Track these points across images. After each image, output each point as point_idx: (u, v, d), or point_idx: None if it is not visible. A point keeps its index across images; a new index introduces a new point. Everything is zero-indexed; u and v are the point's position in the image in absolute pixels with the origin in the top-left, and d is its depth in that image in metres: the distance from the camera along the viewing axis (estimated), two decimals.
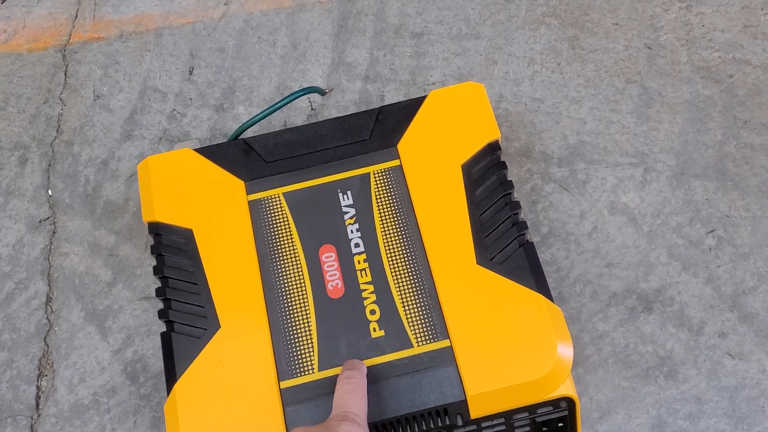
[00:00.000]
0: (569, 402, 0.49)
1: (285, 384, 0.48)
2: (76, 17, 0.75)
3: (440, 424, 0.47)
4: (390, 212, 0.54)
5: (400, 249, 0.53)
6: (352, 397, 0.44)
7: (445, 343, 0.49)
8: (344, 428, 0.41)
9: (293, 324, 0.50)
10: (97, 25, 0.74)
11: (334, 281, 0.52)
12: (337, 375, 0.47)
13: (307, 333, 0.50)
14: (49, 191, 0.66)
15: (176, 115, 0.69)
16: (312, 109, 0.68)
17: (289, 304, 0.51)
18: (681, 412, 0.54)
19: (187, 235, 0.54)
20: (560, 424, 0.49)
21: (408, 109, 0.58)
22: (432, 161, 0.55)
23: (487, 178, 0.54)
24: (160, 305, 0.53)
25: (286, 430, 0.47)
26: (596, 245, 0.60)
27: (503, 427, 0.49)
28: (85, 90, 0.71)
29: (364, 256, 0.53)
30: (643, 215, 0.61)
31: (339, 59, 0.70)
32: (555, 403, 0.48)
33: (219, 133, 0.67)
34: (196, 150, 0.58)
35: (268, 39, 0.72)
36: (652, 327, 0.57)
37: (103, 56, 0.72)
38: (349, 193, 0.55)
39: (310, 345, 0.50)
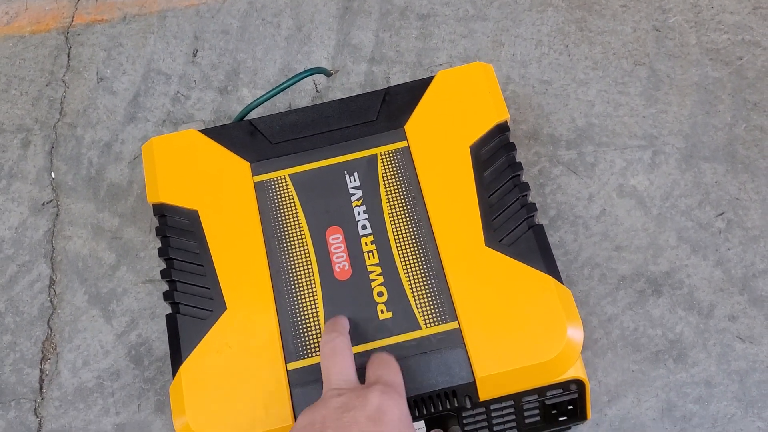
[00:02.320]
0: (579, 384, 0.48)
1: (292, 366, 0.48)
2: None
3: (449, 406, 0.47)
4: (397, 194, 0.53)
5: (407, 231, 0.52)
6: (335, 363, 0.43)
7: (453, 325, 0.48)
8: (379, 401, 0.40)
9: (300, 306, 0.50)
10: (100, 7, 0.73)
11: (341, 263, 0.51)
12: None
13: (314, 315, 0.49)
14: (52, 174, 0.65)
15: (180, 98, 0.68)
16: (317, 91, 0.67)
17: (296, 285, 0.51)
18: (691, 395, 0.54)
19: (192, 217, 0.53)
20: (570, 407, 0.49)
21: (415, 90, 0.57)
22: (440, 142, 0.55)
23: (496, 159, 0.53)
24: (165, 288, 0.53)
25: (293, 411, 0.46)
26: (605, 228, 0.60)
27: (512, 410, 0.48)
28: (88, 72, 0.70)
29: (371, 237, 0.52)
30: (652, 198, 0.60)
31: (344, 41, 0.69)
32: (564, 385, 0.48)
33: (223, 116, 0.67)
34: (201, 131, 0.57)
35: (273, 21, 0.71)
36: (662, 310, 0.57)
37: (106, 38, 0.71)
38: (356, 174, 0.54)
39: (316, 327, 0.49)
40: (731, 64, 0.65)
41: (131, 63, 0.70)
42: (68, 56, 0.71)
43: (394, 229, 0.52)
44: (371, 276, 0.51)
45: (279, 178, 0.55)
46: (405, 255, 0.51)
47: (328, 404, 0.40)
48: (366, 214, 0.53)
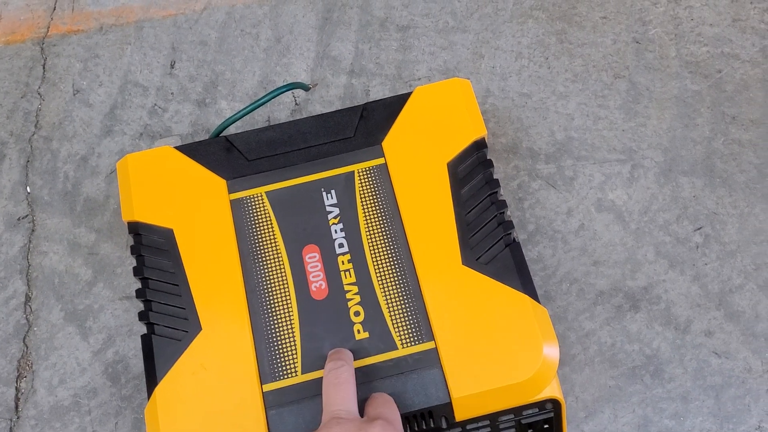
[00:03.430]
0: (555, 403, 0.48)
1: (267, 387, 0.48)
2: (54, 9, 0.73)
3: (425, 427, 0.47)
4: (374, 212, 0.53)
5: (384, 249, 0.52)
6: (338, 392, 0.44)
7: (430, 345, 0.48)
8: (334, 430, 0.40)
9: (276, 326, 0.50)
10: (76, 18, 0.72)
11: (317, 282, 0.51)
12: (321, 378, 0.46)
13: (290, 335, 0.49)
14: (28, 188, 0.65)
15: (157, 110, 0.67)
16: (296, 104, 0.67)
17: (272, 305, 0.50)
18: (667, 411, 0.54)
19: (167, 235, 0.53)
20: (545, 426, 0.49)
21: (393, 106, 0.57)
22: (417, 159, 0.54)
23: (473, 176, 0.53)
24: (141, 306, 0.52)
25: None
26: (583, 243, 0.60)
27: (488, 429, 0.48)
28: (64, 84, 0.69)
29: (348, 256, 0.52)
30: (631, 212, 0.61)
31: (323, 53, 0.69)
32: (541, 404, 0.48)
33: (201, 129, 0.66)
34: (177, 148, 0.56)
35: (252, 32, 0.70)
36: (639, 325, 0.57)
37: (82, 49, 0.71)
38: (333, 192, 0.54)
39: (293, 347, 0.49)
40: (710, 77, 0.65)
41: (108, 74, 0.69)
42: (44, 67, 0.70)
43: (371, 248, 0.52)
44: (348, 295, 0.50)
45: (255, 195, 0.54)
46: (382, 274, 0.51)
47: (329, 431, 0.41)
48: (343, 232, 0.53)
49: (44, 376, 0.58)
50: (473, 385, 0.47)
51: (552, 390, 0.48)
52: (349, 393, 0.44)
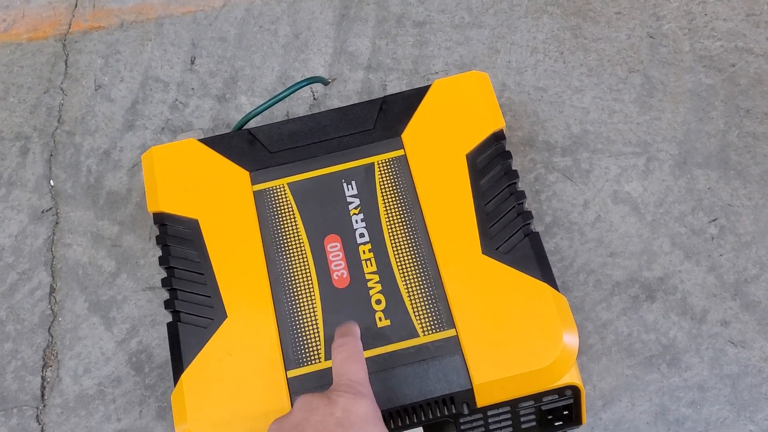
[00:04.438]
0: (574, 390, 0.49)
1: (292, 373, 0.48)
2: (75, 6, 0.74)
3: (447, 413, 0.47)
4: (395, 202, 0.54)
5: (405, 239, 0.53)
6: (349, 364, 0.44)
7: (451, 333, 0.49)
8: (344, 400, 0.41)
9: (299, 313, 0.50)
10: (98, 14, 0.73)
11: (339, 271, 0.52)
12: None
13: (314, 322, 0.50)
14: (51, 182, 0.66)
15: (178, 105, 0.68)
16: (314, 99, 0.68)
17: (295, 293, 0.51)
18: (684, 399, 0.55)
19: (192, 226, 0.54)
20: (565, 412, 0.50)
21: (412, 99, 0.58)
22: (436, 151, 0.55)
23: (492, 167, 0.54)
24: (165, 295, 0.53)
25: None
26: (599, 234, 0.60)
27: (509, 416, 0.49)
28: (86, 80, 0.70)
29: (369, 246, 0.53)
30: (646, 204, 0.61)
31: (341, 48, 0.70)
32: (560, 391, 0.49)
33: (222, 123, 0.67)
34: (201, 140, 0.57)
35: (270, 28, 0.72)
36: (655, 315, 0.57)
37: (103, 45, 0.72)
38: (353, 183, 0.55)
39: (316, 334, 0.50)
40: (724, 71, 0.66)
41: (129, 70, 0.70)
42: (66, 63, 0.71)
43: (392, 238, 0.53)
44: (369, 284, 0.51)
45: (278, 186, 0.55)
46: (403, 263, 0.52)
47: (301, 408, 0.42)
48: (364, 223, 0.54)
49: (69, 366, 0.59)
50: (494, 371, 0.47)
51: (571, 377, 0.49)
52: (359, 364, 0.45)
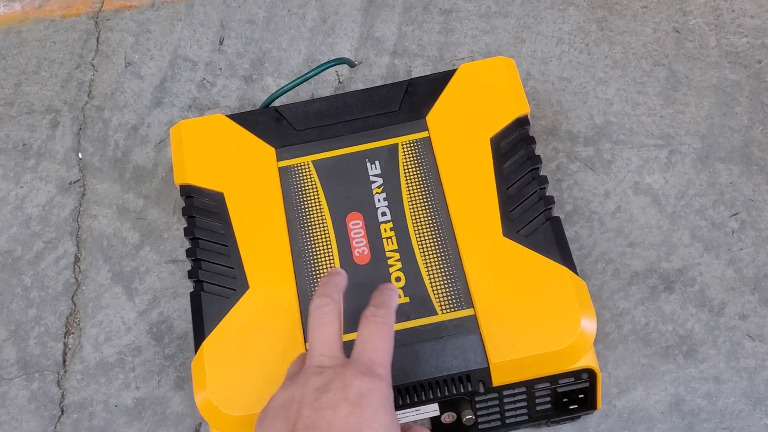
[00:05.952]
0: (590, 374, 0.49)
1: None
2: None
3: (462, 390, 0.48)
4: (417, 183, 0.55)
5: (426, 219, 0.53)
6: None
7: (469, 312, 0.50)
8: (359, 383, 0.39)
9: None
10: None
11: (360, 248, 0.53)
12: None
13: None
14: (80, 154, 0.67)
15: (206, 84, 0.69)
16: (339, 82, 0.69)
17: (317, 268, 0.52)
18: (699, 390, 0.55)
19: (218, 198, 0.54)
20: (581, 396, 0.50)
21: (438, 82, 0.59)
22: (460, 134, 0.56)
23: (516, 152, 0.55)
24: (189, 267, 0.54)
25: None
26: (619, 224, 0.61)
27: (524, 396, 0.49)
28: (117, 57, 0.71)
29: (390, 224, 0.53)
30: (667, 196, 0.61)
31: (367, 34, 0.71)
32: (576, 374, 0.49)
33: (248, 103, 0.68)
34: (228, 116, 0.58)
35: (298, 12, 0.72)
36: (673, 306, 0.58)
37: (134, 24, 0.73)
38: (377, 162, 0.56)
39: None
40: (750, 68, 0.66)
41: (158, 49, 0.72)
42: (97, 41, 0.72)
43: (413, 217, 0.53)
44: (390, 261, 0.52)
45: (302, 164, 0.56)
46: (423, 242, 0.52)
47: (307, 383, 0.39)
48: (386, 202, 0.54)
49: (91, 333, 0.60)
50: (511, 351, 0.48)
51: (588, 360, 0.49)
52: (332, 335, 0.42)
